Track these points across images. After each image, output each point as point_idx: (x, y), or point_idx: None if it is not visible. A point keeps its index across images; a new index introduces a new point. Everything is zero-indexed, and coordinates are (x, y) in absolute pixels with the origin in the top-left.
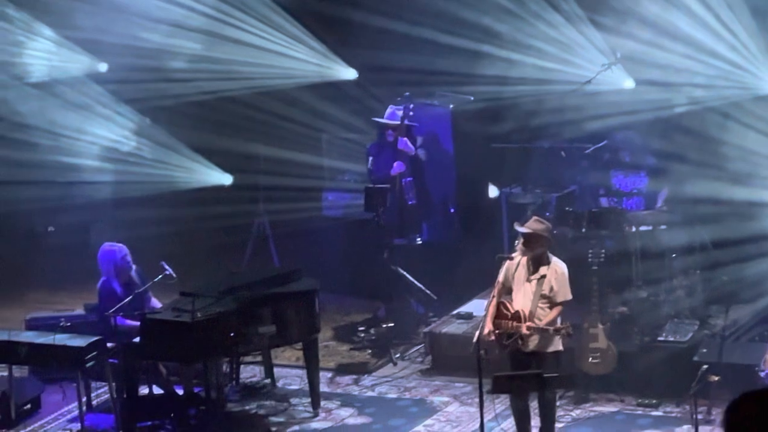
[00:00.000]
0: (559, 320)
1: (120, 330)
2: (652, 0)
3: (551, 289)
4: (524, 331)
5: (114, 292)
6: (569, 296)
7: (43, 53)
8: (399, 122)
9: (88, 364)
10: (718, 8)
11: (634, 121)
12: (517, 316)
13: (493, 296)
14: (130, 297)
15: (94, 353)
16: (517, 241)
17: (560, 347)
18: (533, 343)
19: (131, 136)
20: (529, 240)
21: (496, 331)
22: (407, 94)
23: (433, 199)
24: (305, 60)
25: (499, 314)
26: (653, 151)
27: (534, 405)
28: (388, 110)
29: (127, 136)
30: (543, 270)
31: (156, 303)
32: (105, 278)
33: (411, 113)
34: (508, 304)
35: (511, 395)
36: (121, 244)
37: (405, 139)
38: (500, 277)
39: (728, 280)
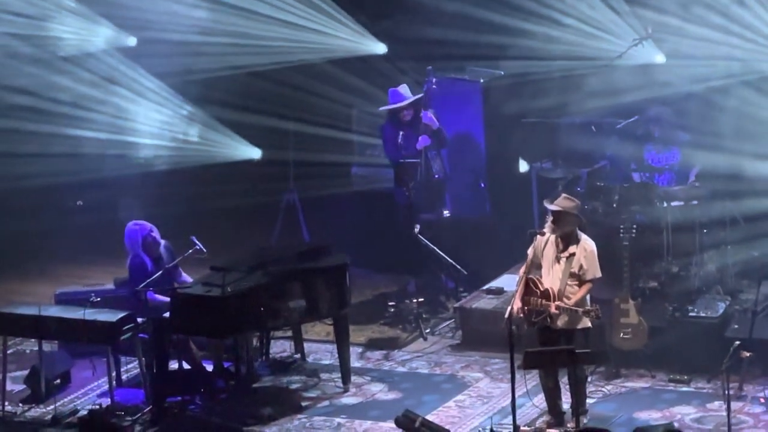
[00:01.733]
0: (588, 299)
1: (151, 305)
2: None
3: (581, 267)
4: (553, 310)
5: (145, 267)
6: (598, 274)
7: (72, 27)
8: (408, 101)
9: (121, 338)
10: None
11: (666, 96)
12: (546, 295)
13: (523, 272)
14: (160, 272)
15: (125, 328)
16: (546, 218)
17: (589, 324)
18: (562, 321)
19: (161, 111)
20: (559, 218)
21: (525, 308)
22: (429, 68)
23: (459, 172)
24: (335, 35)
25: (529, 291)
26: (685, 126)
27: (564, 381)
28: (390, 93)
29: (157, 110)
30: (572, 248)
31: (187, 278)
32: (134, 254)
33: (434, 87)
34: (537, 281)
35: (540, 372)
36: (145, 222)
37: (429, 113)
38: (529, 253)
39: (759, 255)
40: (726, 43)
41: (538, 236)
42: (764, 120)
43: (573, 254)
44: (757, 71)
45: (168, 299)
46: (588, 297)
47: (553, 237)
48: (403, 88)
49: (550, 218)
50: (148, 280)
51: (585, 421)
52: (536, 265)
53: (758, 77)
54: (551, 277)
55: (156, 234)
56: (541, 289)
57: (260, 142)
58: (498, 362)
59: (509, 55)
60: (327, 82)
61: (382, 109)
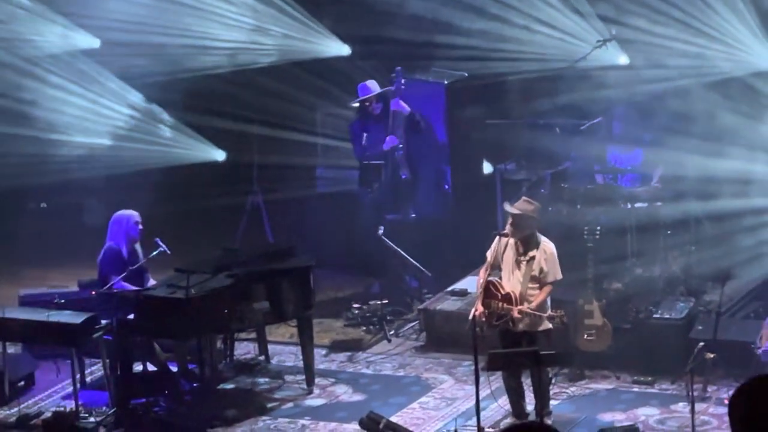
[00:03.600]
0: (549, 301)
1: (121, 295)
2: None
3: (541, 270)
4: (515, 314)
5: (121, 256)
6: (559, 276)
7: (36, 29)
8: (377, 92)
9: (85, 340)
10: None
11: (629, 96)
12: (507, 298)
13: (483, 275)
14: (124, 273)
15: (89, 330)
16: (507, 221)
17: (550, 325)
18: (524, 323)
19: (124, 112)
20: (518, 221)
21: (486, 311)
22: (399, 68)
23: (426, 172)
24: (299, 37)
25: (490, 294)
26: (648, 127)
27: (528, 383)
28: (359, 87)
29: (120, 112)
30: (532, 251)
31: (152, 281)
32: (112, 243)
33: (402, 87)
34: (498, 285)
35: (503, 373)
36: (133, 211)
37: (398, 100)
38: (489, 255)
39: (723, 256)
40: (691, 43)
41: (501, 238)
42: (728, 121)
43: (533, 257)
44: (721, 72)
45: (136, 288)
46: (549, 299)
47: (512, 240)
48: (371, 83)
49: (509, 221)
50: (114, 280)
51: (549, 422)
52: (496, 267)
53: (722, 78)
54: (512, 281)
55: (140, 225)
56: (503, 292)
57: (224, 144)
58: (462, 364)
59: (473, 57)
60: (291, 84)
61: (352, 103)
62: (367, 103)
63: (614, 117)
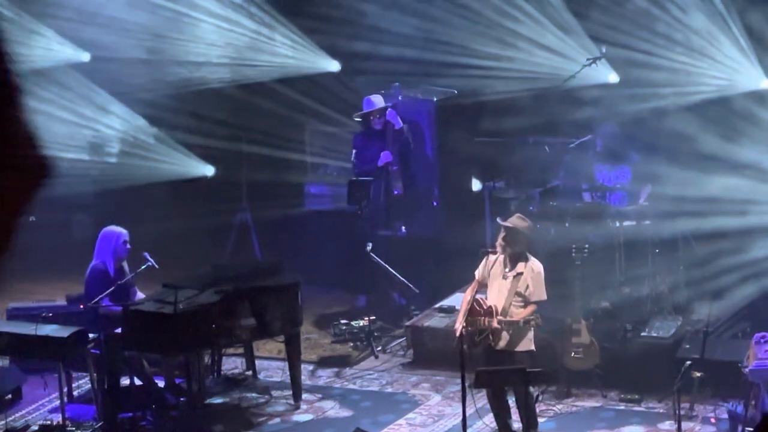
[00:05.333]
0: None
1: (107, 313)
2: None
3: (527, 287)
4: (495, 325)
5: (108, 275)
6: (544, 296)
7: (26, 42)
8: (381, 107)
9: (73, 353)
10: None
11: (617, 114)
12: (489, 312)
13: (470, 293)
14: (113, 288)
15: (76, 344)
16: (498, 236)
17: (532, 347)
18: (504, 341)
19: (114, 127)
20: (510, 236)
21: (468, 329)
22: (396, 84)
23: (416, 188)
24: (287, 53)
25: (473, 311)
26: (636, 146)
27: (514, 400)
28: (364, 101)
29: (109, 127)
30: (520, 267)
31: (140, 295)
32: (99, 261)
33: (399, 102)
34: (482, 301)
35: (488, 392)
36: (122, 229)
37: (394, 112)
38: (477, 273)
39: (711, 275)
40: (678, 62)
41: (490, 255)
42: (716, 140)
43: (520, 273)
44: (709, 92)
45: (120, 308)
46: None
47: (501, 257)
48: (377, 98)
49: (501, 235)
50: (100, 296)
51: None
52: (483, 285)
53: (711, 97)
54: (497, 295)
55: (128, 245)
56: (485, 307)
57: (212, 161)
58: (449, 381)
59: (463, 75)
60: (279, 102)
61: (355, 115)
62: (371, 118)
63: (602, 135)
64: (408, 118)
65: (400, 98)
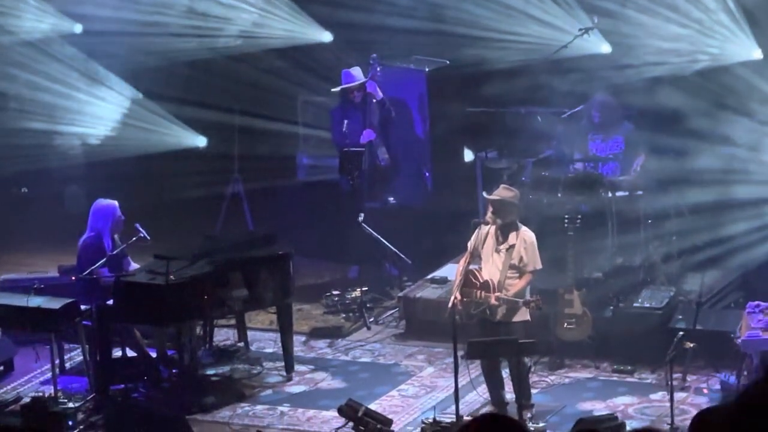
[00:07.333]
0: (528, 290)
1: (103, 284)
2: None
3: (521, 259)
4: (493, 301)
5: (102, 248)
6: (539, 265)
7: (18, 13)
8: (360, 81)
9: (64, 325)
10: None
11: (611, 85)
12: (486, 286)
13: (462, 264)
14: (105, 259)
15: (68, 316)
16: (487, 209)
17: (527, 317)
18: (501, 313)
19: (106, 98)
20: (498, 208)
21: (464, 300)
22: (374, 55)
23: (406, 160)
24: (280, 24)
25: (468, 283)
26: (630, 116)
27: (507, 372)
28: (343, 74)
29: (101, 98)
30: (512, 239)
31: (134, 265)
32: (93, 234)
33: (378, 73)
34: (477, 273)
35: (482, 364)
36: (115, 201)
37: (374, 83)
38: (470, 244)
39: (703, 246)
40: (672, 33)
41: (481, 227)
42: (709, 111)
43: (513, 245)
44: (701, 61)
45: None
46: (528, 288)
47: (493, 228)
48: (356, 70)
49: (489, 209)
50: (92, 267)
51: (530, 414)
52: (476, 257)
53: (705, 68)
54: (491, 269)
55: (123, 217)
56: (481, 280)
57: (204, 132)
58: (442, 352)
59: (454, 44)
60: (270, 73)
61: (334, 90)
62: (351, 91)
63: (596, 105)
64: (395, 91)
65: (378, 69)
